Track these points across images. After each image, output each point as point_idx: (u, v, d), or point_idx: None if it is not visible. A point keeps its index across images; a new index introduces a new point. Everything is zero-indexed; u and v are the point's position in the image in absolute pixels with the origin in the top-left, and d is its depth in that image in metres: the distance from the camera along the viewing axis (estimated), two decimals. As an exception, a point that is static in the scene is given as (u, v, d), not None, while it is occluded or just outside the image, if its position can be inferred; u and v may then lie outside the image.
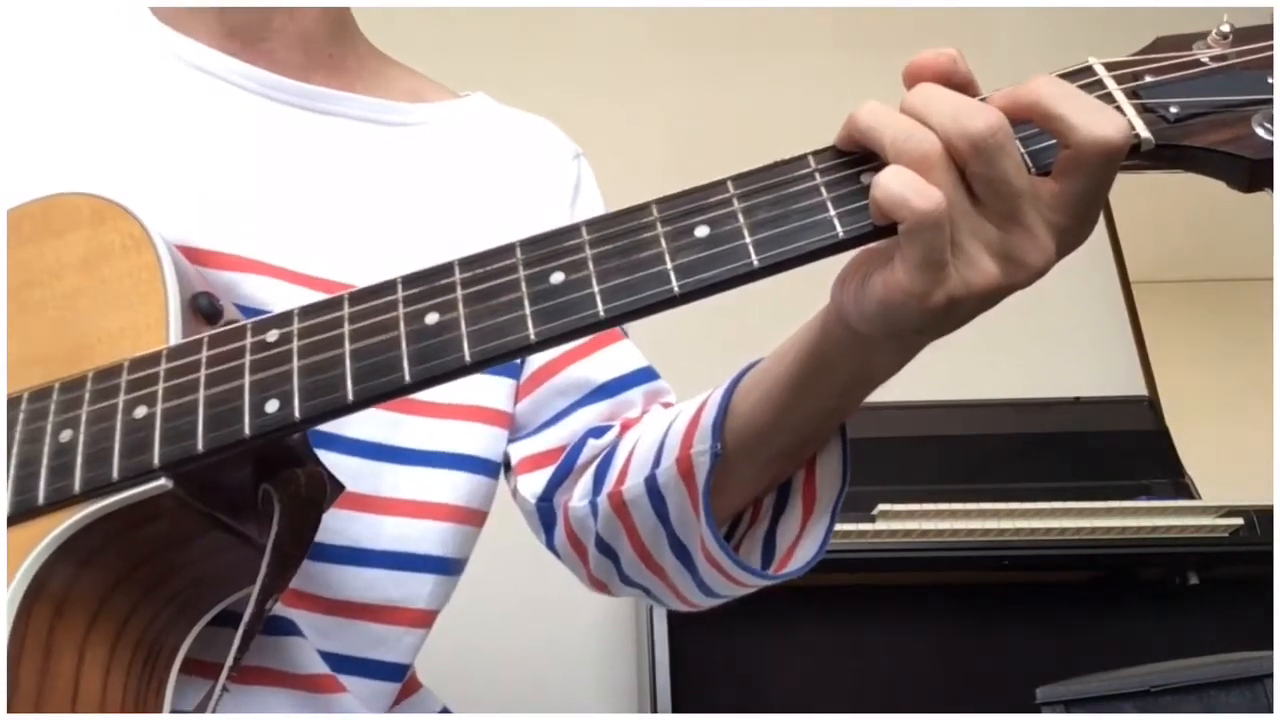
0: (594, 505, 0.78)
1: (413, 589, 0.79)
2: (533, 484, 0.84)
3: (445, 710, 0.86)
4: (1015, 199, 0.53)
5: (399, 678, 0.80)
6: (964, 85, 0.56)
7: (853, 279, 0.58)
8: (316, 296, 0.61)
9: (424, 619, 0.80)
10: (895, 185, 0.53)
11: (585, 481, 0.81)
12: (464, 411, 0.81)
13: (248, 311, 0.70)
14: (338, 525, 0.74)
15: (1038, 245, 0.54)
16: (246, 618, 0.60)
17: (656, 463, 0.73)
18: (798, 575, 0.70)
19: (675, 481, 0.71)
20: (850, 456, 0.70)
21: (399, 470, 0.77)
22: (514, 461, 0.85)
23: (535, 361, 0.85)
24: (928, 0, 2.34)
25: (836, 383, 0.65)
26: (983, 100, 0.55)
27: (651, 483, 0.73)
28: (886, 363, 0.63)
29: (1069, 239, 0.56)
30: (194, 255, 0.72)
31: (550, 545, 0.85)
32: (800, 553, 0.70)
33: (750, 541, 0.73)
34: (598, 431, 0.83)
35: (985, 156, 0.53)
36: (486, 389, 0.82)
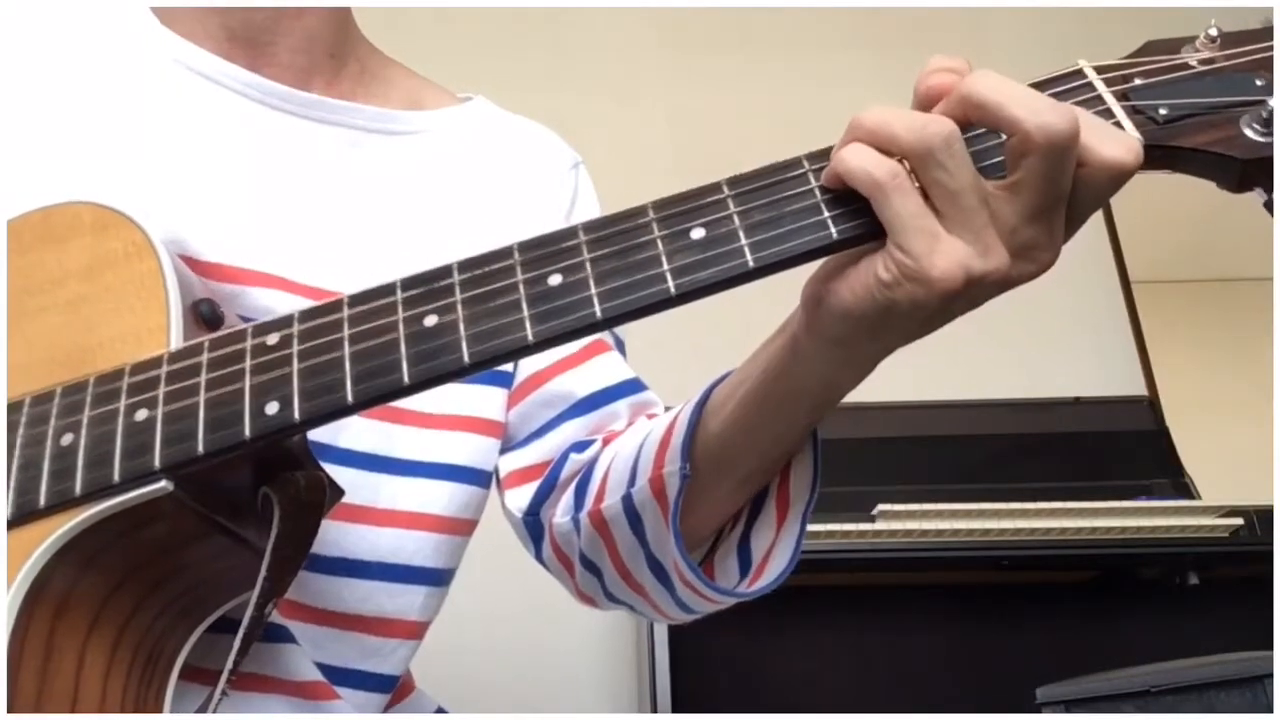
0: (576, 522, 0.78)
1: (406, 601, 0.79)
2: (519, 499, 0.84)
3: (441, 710, 0.86)
4: (1061, 199, 0.54)
5: (389, 689, 0.80)
6: None
7: (834, 275, 0.58)
8: None
9: (416, 630, 0.81)
10: (853, 159, 0.54)
11: (567, 498, 0.80)
12: (457, 422, 0.81)
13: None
14: (332, 537, 0.74)
15: (1054, 243, 0.55)
16: (246, 622, 0.60)
17: (632, 481, 0.72)
18: (770, 589, 0.69)
19: (649, 501, 0.71)
20: (821, 465, 0.69)
21: (393, 481, 0.77)
22: (501, 475, 0.85)
23: (524, 371, 0.85)
24: (928, 0, 2.35)
25: (802, 398, 0.65)
26: None
27: (628, 502, 0.72)
28: (851, 375, 0.62)
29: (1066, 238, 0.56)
30: (196, 267, 0.72)
31: (539, 558, 0.85)
32: (774, 563, 0.69)
33: (725, 549, 0.73)
34: (580, 446, 0.82)
35: (1068, 155, 0.52)
36: (479, 399, 0.82)
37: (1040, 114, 0.52)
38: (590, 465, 0.80)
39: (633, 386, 0.86)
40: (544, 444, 0.84)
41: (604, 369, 0.86)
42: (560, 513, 0.80)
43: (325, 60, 0.86)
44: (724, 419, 0.68)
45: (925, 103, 0.56)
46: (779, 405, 0.65)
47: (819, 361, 0.62)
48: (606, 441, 0.82)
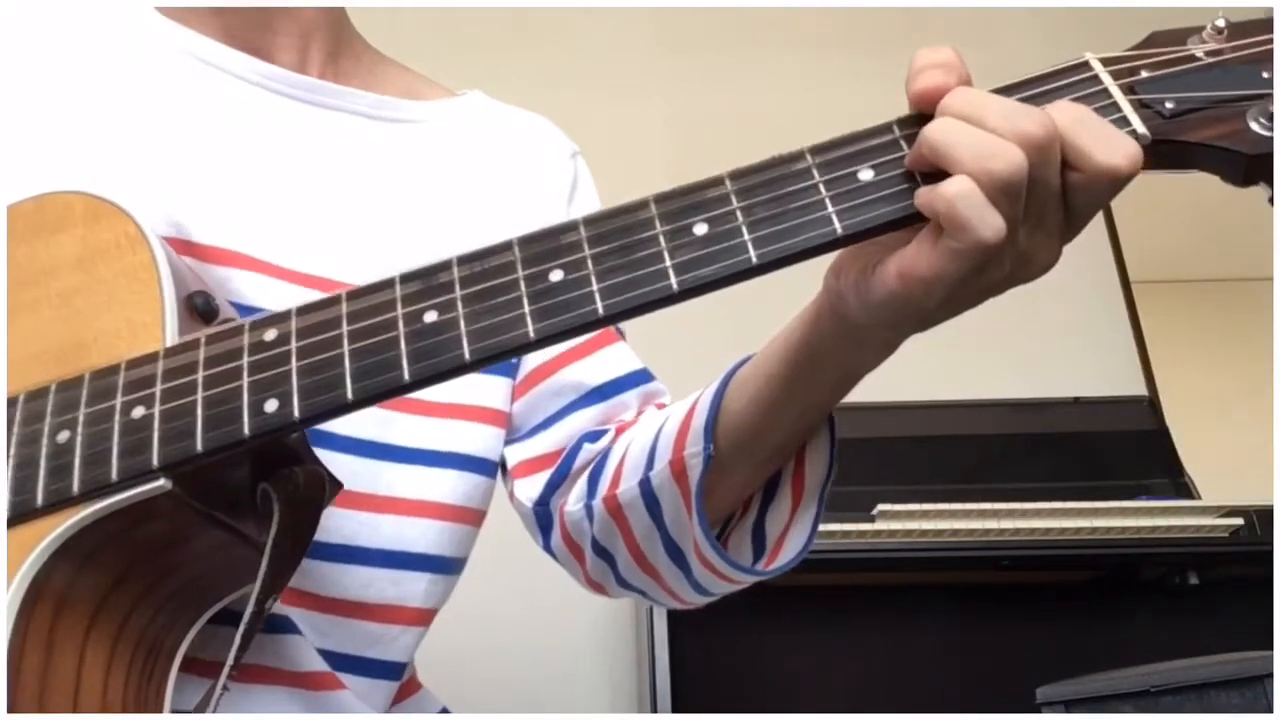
0: (589, 509, 0.78)
1: (409, 588, 0.79)
2: (529, 488, 0.84)
3: (445, 710, 0.86)
4: (1051, 201, 0.54)
5: (397, 676, 0.80)
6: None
7: (852, 267, 0.58)
8: (308, 295, 0.61)
9: (421, 618, 0.80)
10: (962, 208, 0.51)
11: (580, 485, 0.81)
12: (460, 410, 0.81)
13: (240, 309, 0.70)
14: (334, 523, 0.74)
15: (1052, 246, 0.55)
16: (246, 617, 0.60)
17: (650, 465, 0.73)
18: (788, 569, 0.70)
19: (669, 484, 0.71)
20: (837, 444, 0.70)
21: (395, 469, 0.77)
22: (510, 465, 0.85)
23: (530, 363, 0.85)
24: (928, 0, 2.35)
25: (826, 378, 0.65)
26: None
27: (645, 486, 0.73)
28: (873, 356, 0.63)
29: (1064, 241, 0.56)
30: (189, 248, 0.72)
31: (547, 548, 0.85)
32: (790, 544, 0.70)
33: (739, 534, 0.73)
34: (593, 435, 0.83)
35: (1046, 160, 0.53)
36: (483, 388, 0.82)
37: (1016, 124, 0.52)
38: (604, 454, 0.80)
39: (642, 376, 0.87)
40: (554, 433, 0.84)
41: (614, 359, 0.86)
42: (572, 501, 0.80)
43: (321, 57, 0.86)
44: (746, 399, 0.68)
45: (921, 108, 0.56)
46: (802, 384, 0.66)
47: (839, 342, 0.62)
48: (619, 431, 0.82)
